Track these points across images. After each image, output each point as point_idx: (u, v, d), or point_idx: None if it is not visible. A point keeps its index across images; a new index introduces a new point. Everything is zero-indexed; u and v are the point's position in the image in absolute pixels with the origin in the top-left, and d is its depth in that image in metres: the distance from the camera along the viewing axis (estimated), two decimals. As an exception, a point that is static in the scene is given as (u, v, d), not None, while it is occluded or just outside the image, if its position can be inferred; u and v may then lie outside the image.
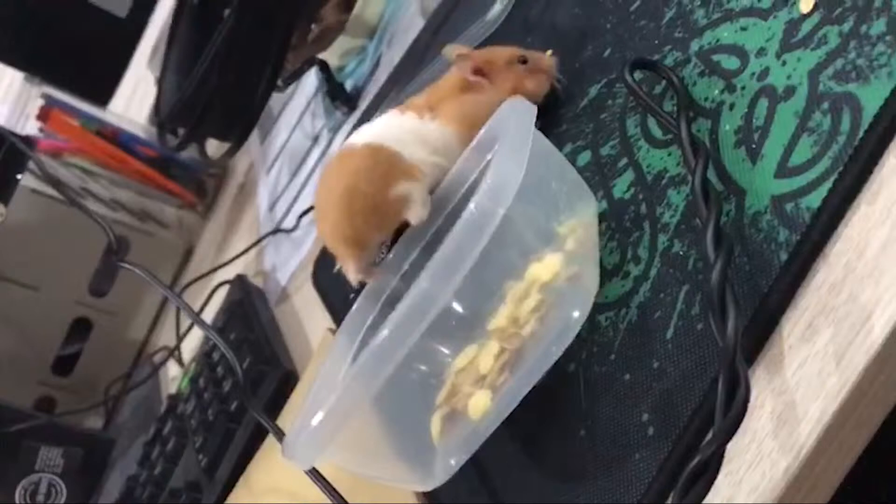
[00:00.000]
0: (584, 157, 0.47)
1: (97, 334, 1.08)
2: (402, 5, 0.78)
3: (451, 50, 0.51)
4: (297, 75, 0.80)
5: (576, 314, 0.38)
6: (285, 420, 0.63)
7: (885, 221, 0.31)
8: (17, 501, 0.93)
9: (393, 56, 0.75)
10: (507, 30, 0.60)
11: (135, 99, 1.19)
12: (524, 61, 0.49)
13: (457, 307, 0.39)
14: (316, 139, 0.86)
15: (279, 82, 0.77)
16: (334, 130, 0.82)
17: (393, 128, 0.47)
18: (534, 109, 0.40)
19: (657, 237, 0.40)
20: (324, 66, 0.80)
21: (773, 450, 0.32)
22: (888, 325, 0.30)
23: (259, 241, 0.85)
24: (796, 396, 0.32)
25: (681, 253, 0.39)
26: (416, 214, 0.45)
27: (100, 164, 1.04)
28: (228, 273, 0.87)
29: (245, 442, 0.66)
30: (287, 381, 0.65)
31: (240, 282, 0.81)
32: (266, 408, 0.65)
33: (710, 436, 0.31)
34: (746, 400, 0.30)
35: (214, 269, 0.88)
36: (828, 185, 0.33)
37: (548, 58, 0.50)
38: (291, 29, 0.73)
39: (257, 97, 0.75)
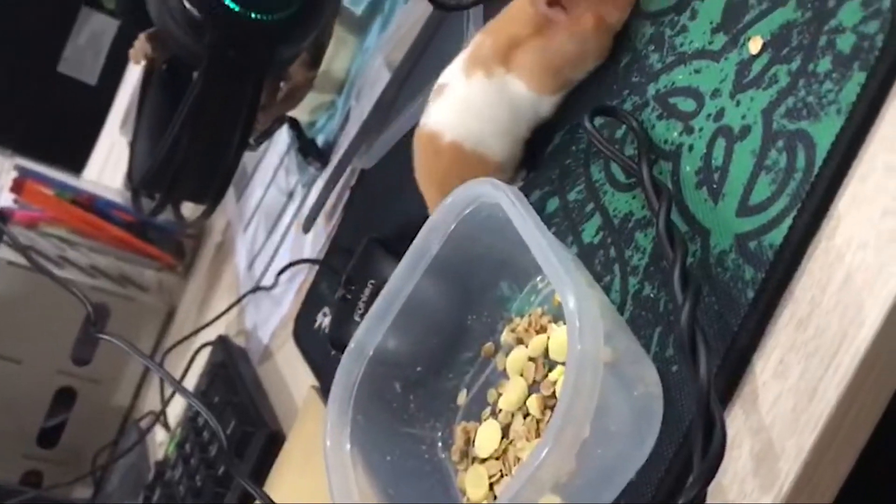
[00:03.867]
0: (553, 204, 0.48)
1: (81, 403, 1.07)
2: (368, 59, 0.79)
3: None
4: (268, 134, 0.81)
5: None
6: (273, 482, 0.63)
7: (845, 256, 0.32)
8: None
9: (362, 109, 0.75)
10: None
11: (109, 164, 1.19)
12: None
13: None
14: (290, 195, 0.86)
15: (251, 142, 0.78)
16: (308, 185, 0.82)
17: (473, 106, 0.47)
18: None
19: (628, 280, 0.41)
20: (294, 124, 0.81)
21: (755, 489, 0.32)
22: (856, 357, 0.30)
23: (239, 300, 0.85)
24: (773, 434, 0.32)
25: (651, 295, 0.39)
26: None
27: (77, 232, 1.04)
28: (210, 334, 0.87)
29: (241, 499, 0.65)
30: (273, 442, 0.65)
31: (221, 343, 0.81)
32: (253, 470, 0.64)
33: (690, 479, 0.31)
34: (723, 442, 0.30)
35: (196, 332, 0.88)
36: (788, 222, 0.34)
37: None
38: (260, 90, 0.74)
39: (229, 158, 0.76)
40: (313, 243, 0.75)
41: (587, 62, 0.47)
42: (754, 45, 0.39)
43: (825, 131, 0.34)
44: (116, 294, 1.05)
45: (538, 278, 0.46)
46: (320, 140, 0.83)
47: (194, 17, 0.70)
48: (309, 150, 0.80)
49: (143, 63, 0.77)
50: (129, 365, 1.09)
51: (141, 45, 0.74)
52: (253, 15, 0.70)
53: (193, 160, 0.75)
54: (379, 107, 0.72)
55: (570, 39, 0.46)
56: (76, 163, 1.13)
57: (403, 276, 0.45)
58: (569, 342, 0.33)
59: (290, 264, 0.74)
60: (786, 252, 0.34)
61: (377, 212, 0.67)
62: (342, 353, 0.54)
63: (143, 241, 1.08)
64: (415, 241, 0.44)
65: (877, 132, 0.33)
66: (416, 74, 0.69)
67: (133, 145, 0.80)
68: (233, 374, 0.75)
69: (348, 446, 0.45)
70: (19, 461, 1.06)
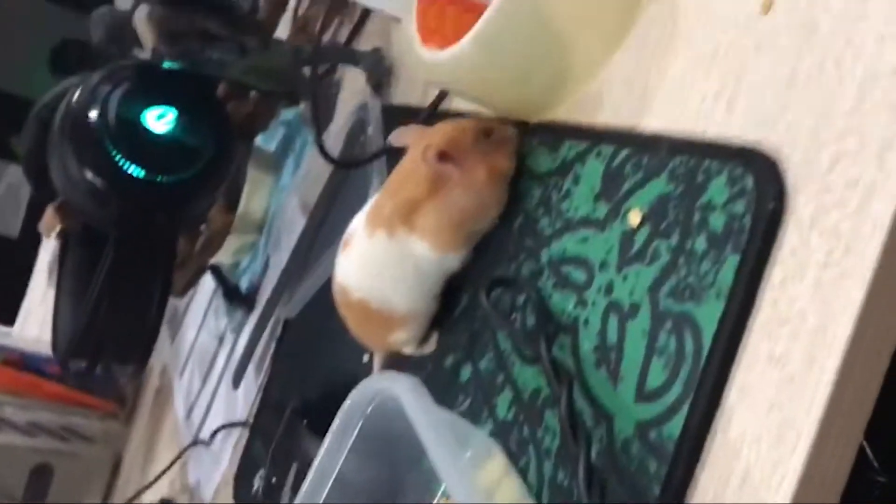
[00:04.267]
0: (466, 372, 0.47)
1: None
2: (284, 200, 0.79)
3: (399, 135, 0.48)
4: (191, 284, 0.79)
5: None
6: None
7: (741, 450, 0.31)
8: None
9: (281, 258, 0.75)
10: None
11: (41, 314, 1.17)
12: (488, 133, 0.45)
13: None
14: (221, 339, 0.85)
15: (177, 293, 0.76)
16: (236, 331, 0.81)
17: (375, 264, 0.47)
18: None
19: (542, 463, 0.40)
20: (216, 271, 0.79)
21: None
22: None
23: (179, 455, 0.82)
24: None
25: (565, 483, 0.38)
26: (414, 352, 0.50)
27: (11, 392, 1.01)
28: (155, 494, 0.84)
29: None
30: None
31: (165, 508, 0.78)
32: None
33: None
34: None
35: (139, 493, 0.85)
36: (683, 412, 0.33)
37: (507, 126, 0.46)
38: (174, 249, 0.73)
39: (151, 320, 0.74)
40: (245, 396, 0.73)
41: (488, 213, 0.47)
42: (634, 218, 0.38)
43: (708, 316, 0.33)
44: (60, 452, 1.02)
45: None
46: (244, 283, 0.82)
47: (97, 188, 0.69)
48: (234, 297, 0.79)
49: (55, 233, 0.75)
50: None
51: (49, 218, 0.73)
52: (158, 178, 0.69)
53: (115, 325, 0.73)
54: (297, 254, 0.71)
55: (467, 193, 0.45)
56: (6, 315, 1.10)
57: (324, 467, 0.43)
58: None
59: (223, 426, 0.73)
60: (685, 445, 0.33)
61: (302, 364, 0.66)
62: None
63: (81, 391, 1.05)
64: (329, 436, 0.43)
65: (757, 318, 0.32)
66: (329, 220, 0.68)
67: (55, 313, 0.79)
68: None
69: None
70: None
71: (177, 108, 0.69)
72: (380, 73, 0.65)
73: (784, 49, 0.34)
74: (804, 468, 0.29)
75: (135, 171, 0.68)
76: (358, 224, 0.48)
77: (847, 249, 0.30)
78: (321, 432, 0.52)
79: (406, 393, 0.39)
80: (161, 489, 0.85)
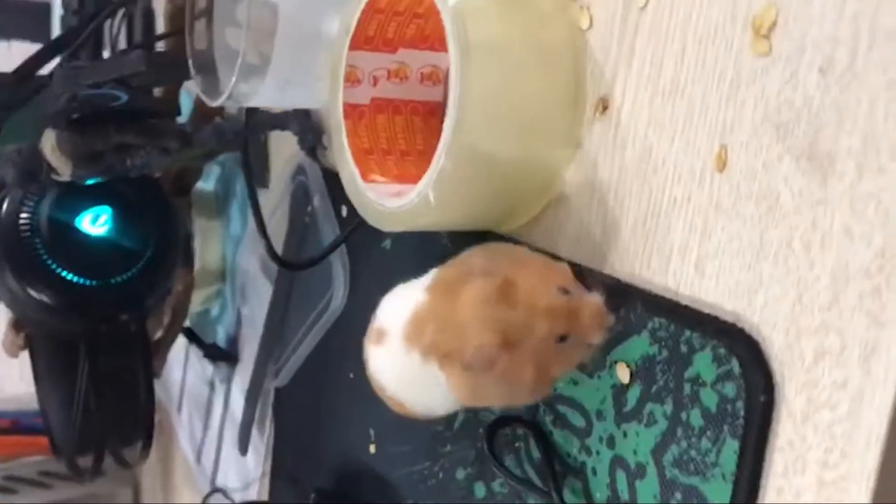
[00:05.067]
0: (480, 490, 0.48)
1: None
2: (240, 250, 0.77)
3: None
4: (163, 360, 0.79)
5: None
6: None
7: None
8: None
9: (253, 313, 0.74)
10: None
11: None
12: (563, 338, 0.37)
13: None
14: (212, 386, 0.85)
15: (158, 374, 0.76)
16: (226, 381, 0.81)
17: (409, 378, 0.42)
18: None
19: None
20: (191, 336, 0.79)
21: None
22: None
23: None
24: None
25: None
26: None
27: (11, 457, 1.02)
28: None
29: None
30: None
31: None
32: None
33: None
34: None
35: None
36: (708, 583, 0.35)
37: (596, 316, 0.38)
38: (146, 336, 0.72)
39: (143, 401, 0.74)
40: (255, 459, 0.75)
41: (514, 403, 0.43)
42: (622, 373, 0.39)
43: (718, 495, 0.34)
44: (80, 495, 1.04)
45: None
46: (221, 334, 0.81)
47: (47, 303, 0.67)
48: (215, 355, 0.79)
49: (20, 348, 0.74)
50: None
51: (9, 338, 0.71)
52: (111, 281, 0.68)
53: (110, 417, 0.73)
54: (271, 321, 0.71)
55: (502, 383, 0.39)
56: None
57: None
58: None
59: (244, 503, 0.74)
60: None
61: (307, 436, 0.67)
62: None
63: None
64: None
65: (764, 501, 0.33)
66: (297, 288, 0.67)
67: (44, 416, 0.78)
68: None
69: None
70: None
71: (110, 205, 0.66)
72: (313, 135, 0.62)
73: (747, 215, 0.34)
74: None
75: (84, 280, 0.66)
76: (394, 323, 0.42)
77: (844, 454, 0.31)
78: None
79: None
80: (192, 533, 0.88)
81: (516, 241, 0.44)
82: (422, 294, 0.40)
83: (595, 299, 0.38)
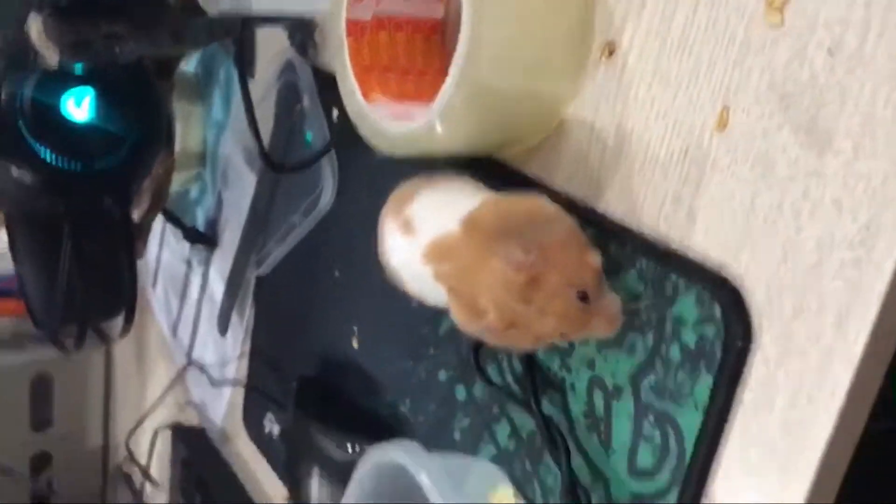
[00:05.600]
0: (461, 392, 0.51)
1: (58, 460, 1.11)
2: (222, 136, 0.77)
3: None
4: (145, 241, 0.80)
5: None
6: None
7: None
8: None
9: (234, 198, 0.75)
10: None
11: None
12: (584, 297, 0.38)
13: None
14: (189, 264, 0.87)
15: (140, 255, 0.77)
16: (204, 263, 0.83)
17: (425, 283, 0.42)
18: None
19: (547, 497, 0.46)
20: (171, 218, 0.80)
21: None
22: None
23: (177, 377, 0.88)
24: None
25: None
26: None
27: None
28: (161, 409, 0.91)
29: None
30: (267, 547, 0.72)
31: (180, 434, 0.85)
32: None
33: None
34: None
35: (147, 413, 0.91)
36: (673, 497, 0.39)
37: (609, 324, 0.39)
38: (128, 215, 0.72)
39: (126, 277, 0.76)
40: (233, 340, 0.78)
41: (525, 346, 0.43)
42: (609, 305, 0.41)
43: (689, 423, 0.38)
44: (52, 361, 1.07)
45: None
46: (200, 217, 0.82)
47: (28, 184, 0.67)
48: (194, 238, 0.80)
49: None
50: (89, 409, 1.13)
51: (-14, 215, 0.71)
52: (95, 165, 0.68)
53: (93, 296, 0.75)
54: (255, 212, 0.72)
55: (500, 340, 0.40)
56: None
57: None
58: None
59: (219, 382, 0.77)
60: (675, 521, 0.39)
61: (287, 328, 0.70)
62: None
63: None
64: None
65: (731, 433, 0.37)
66: (283, 182, 0.68)
67: (23, 292, 0.79)
68: (203, 473, 0.80)
69: None
70: (23, 527, 1.12)
71: (95, 88, 0.65)
72: (304, 32, 0.62)
73: (741, 176, 0.36)
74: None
75: (67, 163, 0.66)
76: (422, 228, 0.43)
77: (810, 399, 0.34)
78: (328, 426, 0.58)
79: (401, 454, 0.44)
80: (166, 403, 0.91)
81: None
82: (456, 226, 0.40)
83: (612, 306, 0.38)
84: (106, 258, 0.73)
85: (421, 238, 0.42)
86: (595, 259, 0.38)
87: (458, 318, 0.40)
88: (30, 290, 0.78)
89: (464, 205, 0.41)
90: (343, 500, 0.49)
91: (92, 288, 0.74)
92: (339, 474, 0.55)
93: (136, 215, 0.77)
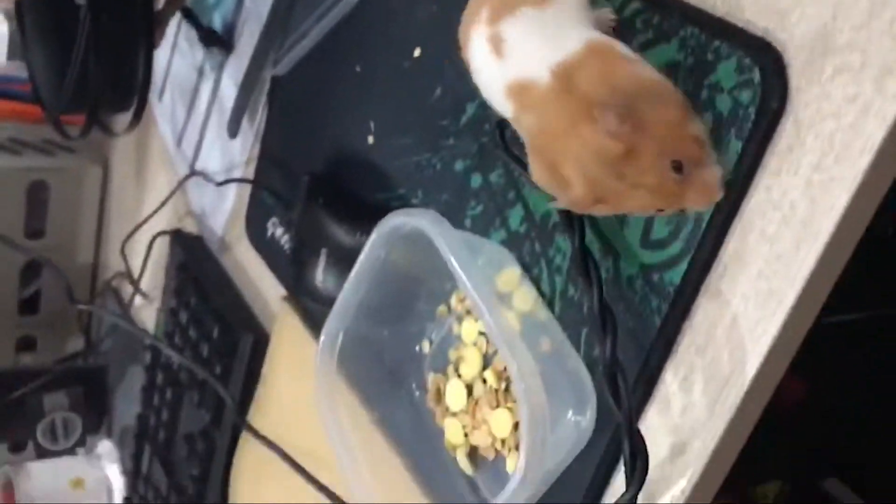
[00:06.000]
0: (477, 180, 0.52)
1: (48, 270, 1.12)
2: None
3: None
4: (163, 31, 0.78)
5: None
6: (265, 389, 0.72)
7: (731, 301, 0.39)
8: (40, 442, 1.04)
9: (258, 8, 0.74)
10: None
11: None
12: (679, 168, 0.35)
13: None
14: (200, 72, 0.86)
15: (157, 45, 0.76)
16: (217, 68, 0.82)
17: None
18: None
19: (554, 277, 0.47)
20: (188, 15, 0.78)
21: (672, 473, 0.42)
22: (739, 393, 0.39)
23: (179, 185, 0.88)
24: (683, 435, 0.41)
25: (575, 298, 0.46)
26: None
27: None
28: (159, 216, 0.91)
29: (240, 398, 0.75)
30: (258, 346, 0.73)
31: (178, 240, 0.86)
32: (245, 374, 0.73)
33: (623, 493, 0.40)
34: (647, 467, 0.39)
35: (145, 220, 0.92)
36: (684, 265, 0.40)
37: (704, 197, 0.36)
38: (151, 2, 0.71)
39: (141, 66, 0.75)
40: (243, 144, 0.77)
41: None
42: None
43: (710, 189, 0.39)
44: (49, 168, 1.06)
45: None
46: (218, 20, 0.81)
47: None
48: (210, 40, 0.79)
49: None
50: (82, 224, 1.13)
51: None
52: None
53: (106, 79, 0.74)
54: (276, 11, 0.71)
55: (573, 207, 0.38)
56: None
57: (360, 277, 0.50)
58: (517, 391, 0.40)
59: (225, 181, 0.77)
60: (684, 290, 0.40)
61: (302, 126, 0.69)
62: (307, 298, 0.62)
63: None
64: (357, 266, 0.49)
65: (752, 198, 0.38)
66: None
67: (32, 73, 0.78)
68: (200, 276, 0.81)
69: (341, 410, 0.54)
70: (10, 331, 1.13)
71: None
72: None
73: (801, -65, 0.36)
74: (780, 330, 0.37)
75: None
76: (512, 56, 0.38)
77: (838, 159, 0.35)
78: (339, 215, 0.59)
79: (425, 220, 0.45)
80: (164, 212, 0.91)
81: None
82: (547, 74, 0.36)
83: (711, 177, 0.35)
84: (124, 43, 0.72)
85: (508, 67, 0.38)
86: (698, 129, 0.35)
87: (536, 176, 0.37)
88: (39, 72, 0.77)
89: (563, 43, 0.37)
90: (354, 269, 0.50)
91: (106, 73, 0.73)
92: (348, 259, 0.55)
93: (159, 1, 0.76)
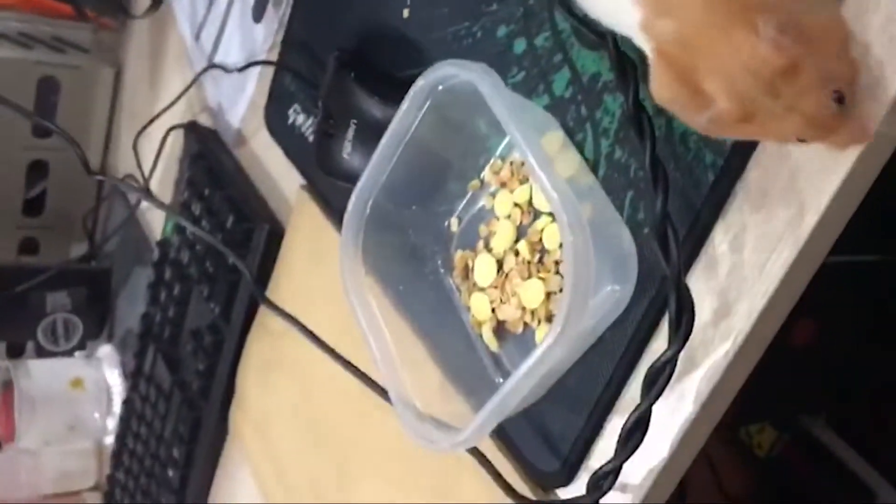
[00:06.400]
0: (520, 45, 0.50)
1: (55, 171, 1.10)
2: None
3: None
4: None
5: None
6: (279, 281, 0.70)
7: (792, 153, 0.37)
8: (41, 341, 1.03)
9: None
10: None
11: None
12: (840, 99, 0.32)
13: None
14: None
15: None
16: (242, -45, 0.79)
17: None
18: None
19: (600, 141, 0.45)
20: None
21: (715, 337, 0.41)
22: (796, 246, 0.37)
23: (197, 77, 0.85)
24: (729, 297, 0.40)
25: (622, 160, 0.44)
26: None
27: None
28: (173, 114, 0.89)
29: (251, 292, 0.73)
30: (273, 237, 0.71)
31: (193, 130, 0.83)
32: (258, 266, 0.71)
33: (666, 349, 0.39)
34: (692, 322, 0.38)
35: (159, 114, 0.89)
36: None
37: (855, 139, 0.33)
38: None
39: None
40: (266, 30, 0.75)
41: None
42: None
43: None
44: (60, 65, 1.04)
45: (514, 127, 0.50)
46: None
47: None
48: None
49: None
50: (92, 127, 1.11)
51: None
52: None
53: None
54: None
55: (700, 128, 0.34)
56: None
57: (399, 130, 0.48)
58: (563, 245, 0.39)
59: (248, 65, 0.75)
60: (740, 144, 0.39)
61: (331, 7, 0.67)
62: (330, 176, 0.60)
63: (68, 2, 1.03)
64: (399, 113, 0.47)
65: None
66: None
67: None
68: (214, 167, 0.79)
69: (364, 277, 0.52)
70: (13, 232, 1.12)
71: None
72: None
73: None
74: (843, 182, 0.36)
75: None
76: None
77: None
78: (370, 88, 0.57)
79: (475, 73, 0.43)
80: (179, 109, 0.89)
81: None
82: None
83: (868, 118, 0.33)
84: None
85: None
86: (857, 53, 0.32)
87: (661, 91, 0.34)
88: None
89: None
90: (388, 131, 0.48)
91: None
92: (378, 133, 0.53)
93: None
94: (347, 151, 0.56)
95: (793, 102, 0.31)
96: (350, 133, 0.56)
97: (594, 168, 0.46)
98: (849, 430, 1.24)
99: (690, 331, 0.38)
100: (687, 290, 0.38)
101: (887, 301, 1.00)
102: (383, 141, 0.49)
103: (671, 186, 0.40)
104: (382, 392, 0.54)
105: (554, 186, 0.39)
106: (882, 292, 0.99)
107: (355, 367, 0.56)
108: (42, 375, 0.98)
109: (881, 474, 1.20)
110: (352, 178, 0.55)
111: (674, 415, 0.42)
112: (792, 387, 1.04)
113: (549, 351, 0.39)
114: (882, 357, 1.08)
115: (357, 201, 0.51)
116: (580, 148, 0.46)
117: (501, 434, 0.51)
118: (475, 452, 0.49)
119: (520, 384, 0.41)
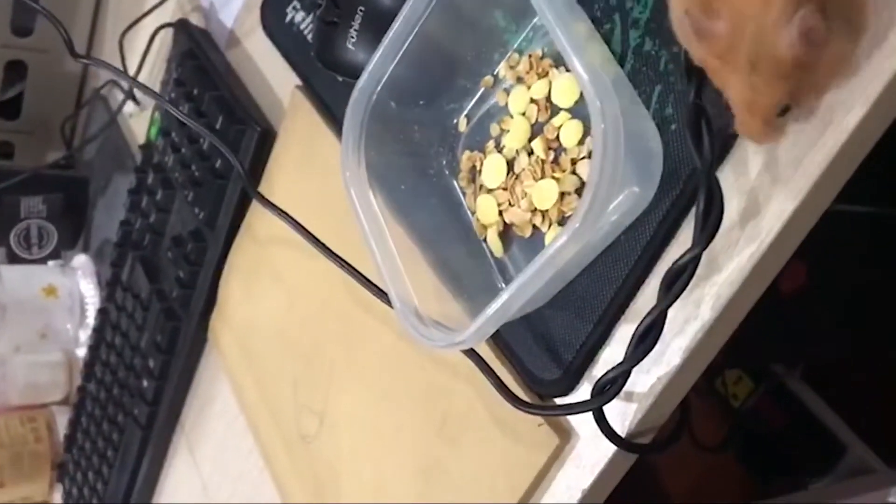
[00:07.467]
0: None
1: (34, 73, 1.05)
2: None
3: None
4: None
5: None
6: (270, 183, 0.68)
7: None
8: (13, 247, 1.00)
9: None
10: None
11: None
12: (784, 112, 0.33)
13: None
14: None
15: None
16: None
17: None
18: None
19: (628, 33, 0.43)
20: None
21: (740, 239, 0.39)
22: (839, 141, 0.35)
23: (189, -25, 0.82)
24: (759, 196, 0.38)
25: (653, 52, 0.42)
26: None
27: None
28: (162, 14, 0.85)
29: (238, 196, 0.71)
30: (265, 140, 0.68)
31: (183, 28, 0.80)
32: (248, 168, 0.69)
33: (691, 245, 0.37)
34: (720, 218, 0.36)
35: (148, 12, 0.85)
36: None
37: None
38: None
39: None
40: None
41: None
42: None
43: None
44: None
45: (536, 18, 0.47)
46: None
47: None
48: None
49: None
50: (76, 26, 1.06)
51: None
52: None
53: None
54: None
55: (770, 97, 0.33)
56: None
57: (410, 18, 0.46)
58: (592, 126, 0.36)
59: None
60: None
61: None
62: (330, 69, 0.57)
63: None
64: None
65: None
66: None
67: None
68: (205, 67, 0.75)
69: (366, 178, 0.50)
70: (-14, 135, 1.07)
71: None
72: None
73: None
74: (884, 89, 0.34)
75: None
76: None
77: None
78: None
79: None
80: (169, 8, 0.85)
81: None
82: None
83: (778, 136, 0.34)
84: None
85: None
86: None
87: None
88: None
89: None
90: (403, 9, 0.46)
91: None
92: (385, 22, 0.50)
93: None
94: (352, 41, 0.53)
95: (758, 82, 0.32)
96: (357, 21, 0.53)
97: (621, 61, 0.43)
98: (824, 385, 1.25)
99: (718, 226, 0.36)
100: (717, 182, 0.36)
101: (883, 257, 0.99)
102: (392, 29, 0.47)
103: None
104: (379, 292, 0.52)
105: (586, 69, 0.36)
106: (878, 248, 0.98)
107: (350, 265, 0.54)
108: (13, 280, 0.95)
109: (852, 429, 1.21)
110: (354, 72, 0.52)
111: (689, 322, 0.40)
112: (773, 335, 1.04)
113: (563, 248, 0.37)
114: (867, 315, 1.08)
115: (360, 93, 0.48)
116: (607, 40, 0.44)
117: (499, 341, 0.49)
118: (474, 356, 0.47)
119: (528, 283, 0.39)
